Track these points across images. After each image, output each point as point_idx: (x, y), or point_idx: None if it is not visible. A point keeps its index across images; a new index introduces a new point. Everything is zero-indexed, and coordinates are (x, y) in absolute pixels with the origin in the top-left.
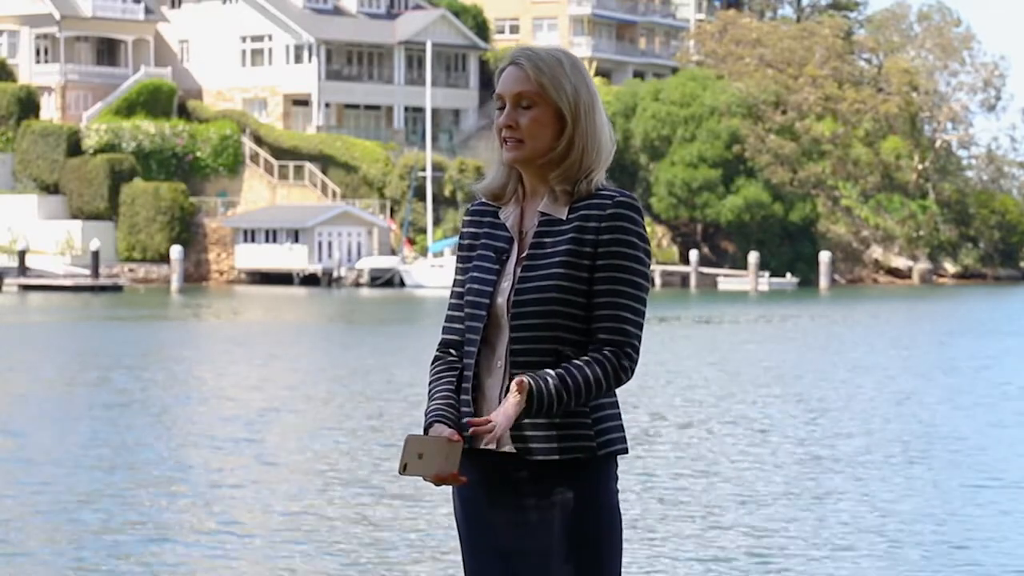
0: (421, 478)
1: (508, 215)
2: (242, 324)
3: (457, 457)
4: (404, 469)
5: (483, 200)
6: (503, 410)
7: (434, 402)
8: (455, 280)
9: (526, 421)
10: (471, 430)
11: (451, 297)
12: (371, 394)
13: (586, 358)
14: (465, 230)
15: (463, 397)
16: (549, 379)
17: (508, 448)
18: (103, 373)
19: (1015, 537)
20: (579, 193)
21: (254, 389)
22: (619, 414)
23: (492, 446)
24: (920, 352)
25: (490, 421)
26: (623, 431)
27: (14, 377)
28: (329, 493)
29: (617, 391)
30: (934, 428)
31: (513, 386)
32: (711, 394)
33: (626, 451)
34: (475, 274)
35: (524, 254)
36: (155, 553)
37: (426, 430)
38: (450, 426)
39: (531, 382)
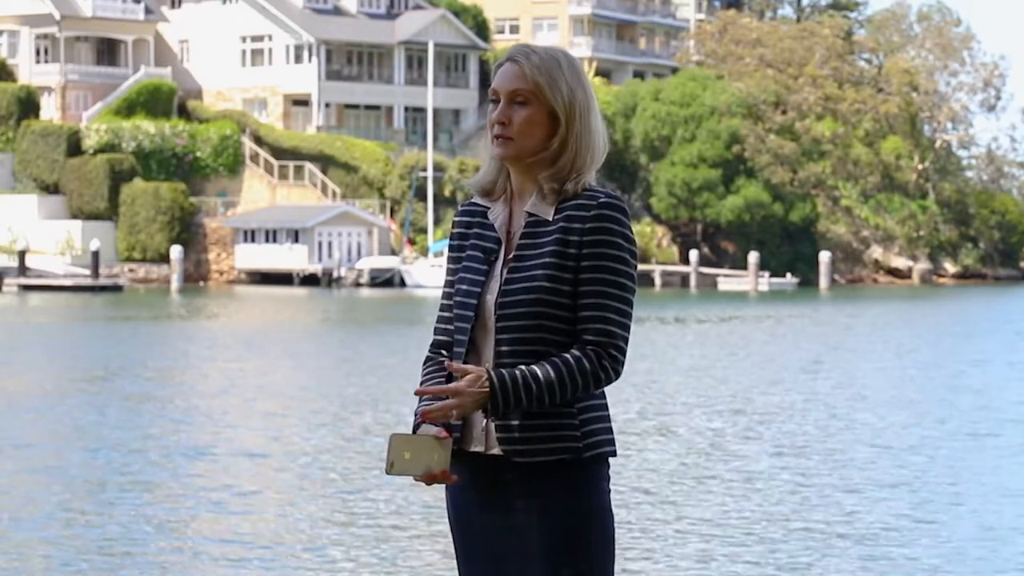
0: (411, 478)
1: (496, 215)
2: (242, 324)
3: (447, 455)
4: (391, 468)
5: (473, 200)
6: (453, 386)
7: (423, 402)
8: (446, 280)
9: (514, 422)
10: (422, 415)
11: (442, 298)
12: (369, 394)
13: (565, 355)
14: (455, 231)
15: None
16: (516, 372)
17: (496, 451)
18: (103, 373)
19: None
20: (566, 193)
21: (253, 389)
22: (607, 416)
23: (480, 448)
24: (923, 354)
25: (447, 407)
26: (611, 433)
27: (13, 377)
28: (330, 494)
29: (607, 393)
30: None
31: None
32: (711, 394)
33: (614, 453)
34: (464, 275)
35: (511, 255)
36: (153, 553)
37: (415, 429)
38: (438, 424)
39: (491, 371)
